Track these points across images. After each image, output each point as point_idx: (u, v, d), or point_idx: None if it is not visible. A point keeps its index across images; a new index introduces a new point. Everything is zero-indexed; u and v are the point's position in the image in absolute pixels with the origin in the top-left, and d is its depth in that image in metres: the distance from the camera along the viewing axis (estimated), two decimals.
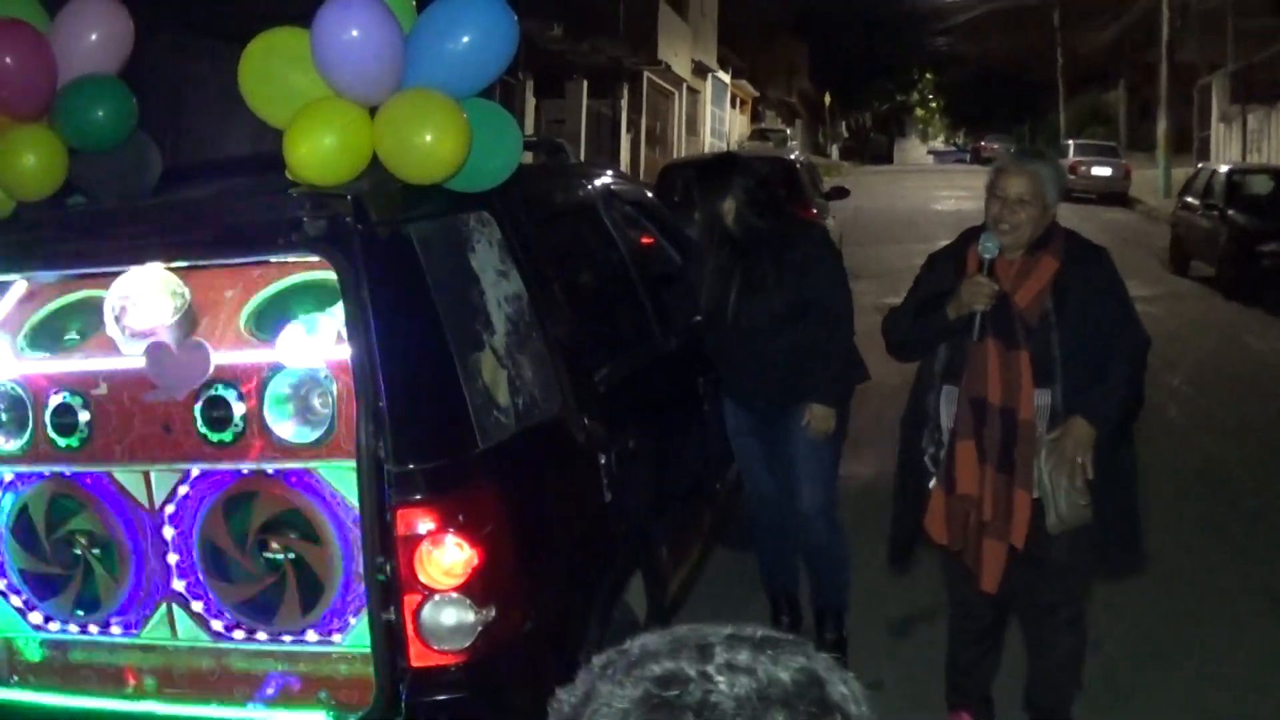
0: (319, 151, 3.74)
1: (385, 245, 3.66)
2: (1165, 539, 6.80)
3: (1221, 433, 10.13)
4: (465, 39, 3.93)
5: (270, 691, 3.92)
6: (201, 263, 4.04)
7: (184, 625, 4.09)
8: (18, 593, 4.26)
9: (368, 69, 3.77)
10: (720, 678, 1.06)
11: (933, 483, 4.49)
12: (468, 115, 3.86)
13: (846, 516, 6.03)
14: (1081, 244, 4.47)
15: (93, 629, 4.18)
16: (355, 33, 3.68)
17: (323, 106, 3.82)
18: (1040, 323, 4.28)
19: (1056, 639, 4.55)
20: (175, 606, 4.09)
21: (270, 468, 3.91)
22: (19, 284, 4.41)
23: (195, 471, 4.00)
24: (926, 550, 4.82)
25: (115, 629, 4.16)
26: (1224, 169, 20.66)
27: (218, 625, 4.04)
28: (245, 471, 3.94)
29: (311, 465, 3.87)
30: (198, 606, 4.05)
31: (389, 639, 3.49)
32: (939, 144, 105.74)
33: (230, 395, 3.91)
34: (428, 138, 3.76)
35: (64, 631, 4.23)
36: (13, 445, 4.20)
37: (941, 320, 4.38)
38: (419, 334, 3.67)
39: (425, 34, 3.94)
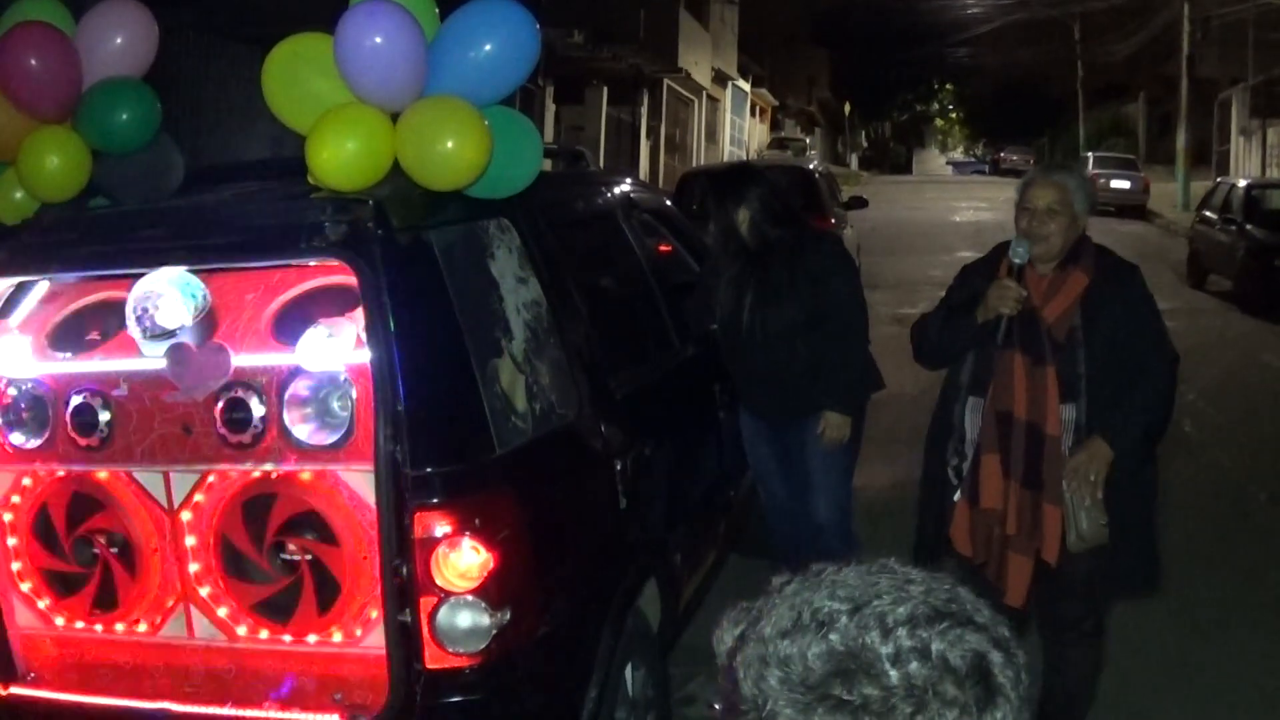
0: (341, 157, 3.77)
1: (406, 251, 3.69)
2: (1178, 554, 6.78)
3: (1236, 448, 10.11)
4: (488, 47, 3.96)
5: (285, 692, 3.94)
6: (223, 266, 4.07)
7: (200, 625, 4.12)
8: (35, 590, 4.29)
9: (391, 75, 3.80)
10: (894, 672, 1.10)
11: (957, 495, 4.50)
12: (489, 123, 3.88)
13: (861, 526, 6.03)
14: (1113, 261, 4.47)
15: (110, 627, 4.21)
16: (379, 39, 3.71)
17: (345, 112, 3.85)
18: (1068, 339, 4.29)
19: (1075, 654, 4.54)
20: (192, 606, 4.12)
21: (289, 470, 3.94)
22: (41, 284, 4.45)
23: (214, 472, 4.03)
24: (945, 562, 4.81)
25: (132, 628, 4.19)
26: (1243, 183, 20.63)
27: (234, 625, 4.06)
28: (264, 473, 3.97)
29: (330, 468, 3.89)
30: (215, 606, 4.08)
31: (404, 641, 3.52)
32: (958, 155, 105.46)
33: (250, 397, 3.93)
34: (449, 144, 3.79)
35: (81, 630, 4.26)
36: (33, 444, 4.23)
37: (969, 325, 4.39)
38: (438, 339, 3.69)
39: (448, 41, 3.97)
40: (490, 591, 3.52)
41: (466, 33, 3.98)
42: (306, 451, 3.90)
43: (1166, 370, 4.38)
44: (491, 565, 3.52)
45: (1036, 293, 4.33)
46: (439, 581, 3.50)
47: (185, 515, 4.07)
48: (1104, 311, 4.29)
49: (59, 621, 4.27)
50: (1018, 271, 4.30)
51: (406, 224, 3.74)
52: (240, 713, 3.89)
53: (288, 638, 3.99)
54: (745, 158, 42.40)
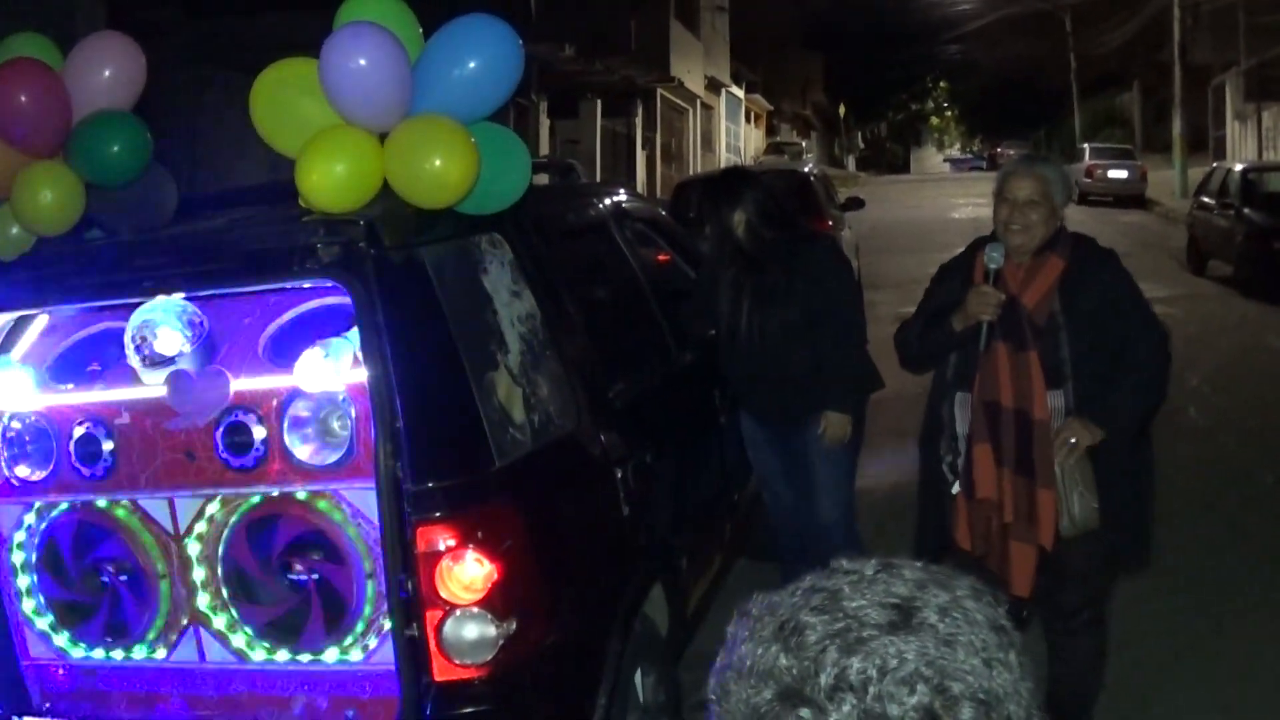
0: (330, 179, 3.80)
1: (399, 269, 3.72)
2: (1186, 540, 6.80)
3: (1242, 432, 10.09)
4: (472, 64, 3.98)
5: (298, 711, 3.96)
6: (219, 291, 4.10)
7: (212, 648, 4.15)
8: (47, 620, 4.32)
9: (376, 96, 3.83)
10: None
11: (955, 489, 4.51)
12: (476, 139, 3.91)
13: (865, 526, 6.04)
14: (1089, 246, 4.50)
15: (122, 654, 4.24)
16: (362, 61, 3.74)
17: (333, 134, 3.88)
18: (1048, 323, 4.31)
19: (1079, 641, 4.55)
20: (203, 630, 4.15)
21: (292, 491, 3.97)
22: (40, 318, 4.48)
23: (218, 496, 4.06)
24: (948, 560, 4.81)
25: (144, 654, 4.22)
26: (1239, 167, 20.58)
27: (245, 647, 4.09)
28: (267, 495, 4.00)
29: (332, 486, 3.92)
30: (225, 629, 4.11)
31: (412, 655, 3.54)
32: (955, 152, 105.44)
33: (250, 420, 3.97)
34: (437, 162, 3.81)
35: (93, 658, 4.29)
36: (38, 476, 4.26)
37: (949, 332, 4.41)
38: (434, 355, 3.72)
39: (432, 60, 4.00)
40: (495, 602, 3.55)
41: (450, 51, 4.01)
42: (308, 472, 3.94)
43: (1156, 349, 4.40)
44: (495, 576, 3.54)
45: (1014, 280, 4.36)
46: (444, 594, 3.52)
47: (191, 540, 4.11)
48: (1082, 295, 4.31)
49: (71, 650, 4.30)
50: (993, 275, 4.33)
51: (398, 242, 3.77)
52: None
53: (298, 657, 4.02)
54: (742, 164, 42.39)
